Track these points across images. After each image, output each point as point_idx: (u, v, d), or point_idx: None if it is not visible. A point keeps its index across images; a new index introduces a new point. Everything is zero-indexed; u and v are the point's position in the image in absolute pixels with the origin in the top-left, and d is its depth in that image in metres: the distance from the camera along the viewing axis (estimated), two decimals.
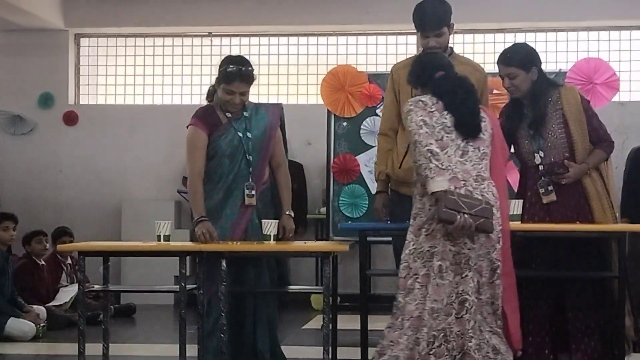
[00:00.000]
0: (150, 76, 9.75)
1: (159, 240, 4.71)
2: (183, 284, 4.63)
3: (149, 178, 9.34)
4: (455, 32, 8.96)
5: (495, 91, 6.86)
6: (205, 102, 5.09)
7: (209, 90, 5.07)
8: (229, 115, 4.90)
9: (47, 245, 7.66)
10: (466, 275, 4.11)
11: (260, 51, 9.47)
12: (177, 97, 9.71)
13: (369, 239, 4.90)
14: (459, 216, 4.01)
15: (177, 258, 4.64)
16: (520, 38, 9.11)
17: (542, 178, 4.71)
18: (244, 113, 4.93)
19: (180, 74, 9.70)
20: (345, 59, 9.17)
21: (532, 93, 4.73)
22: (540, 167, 4.72)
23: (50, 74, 9.55)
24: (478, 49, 9.17)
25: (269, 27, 9.40)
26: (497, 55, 8.95)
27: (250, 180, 4.85)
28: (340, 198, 6.98)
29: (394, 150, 4.95)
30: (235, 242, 4.69)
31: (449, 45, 5.00)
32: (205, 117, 4.92)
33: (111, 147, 9.43)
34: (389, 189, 5.03)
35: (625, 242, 4.60)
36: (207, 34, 9.63)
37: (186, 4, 9.30)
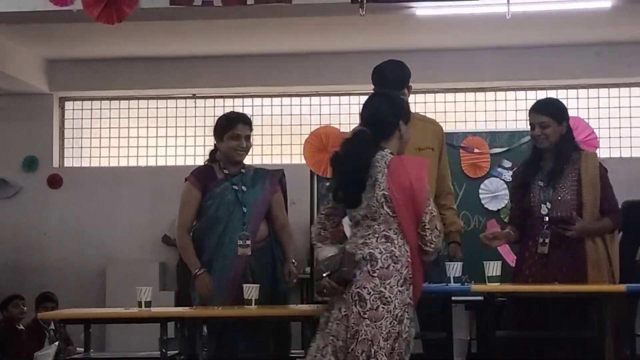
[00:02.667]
0: (134, 138, 9.79)
1: (140, 306, 4.70)
2: (164, 350, 4.62)
3: (134, 240, 9.33)
4: (437, 91, 9.22)
5: (476, 150, 6.93)
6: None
7: (210, 152, 5.23)
8: (226, 171, 5.01)
9: (25, 309, 7.61)
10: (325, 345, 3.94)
11: (244, 112, 9.51)
12: (162, 159, 9.74)
13: None
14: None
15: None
16: (500, 96, 9.23)
17: (545, 229, 4.74)
18: (242, 170, 5.02)
19: (165, 135, 9.75)
20: (328, 120, 9.25)
21: (557, 146, 4.79)
22: (546, 219, 4.75)
23: (35, 137, 9.59)
24: (459, 107, 9.26)
25: (252, 88, 9.48)
26: (477, 114, 9.13)
27: (244, 231, 4.91)
28: None
29: None
30: (217, 308, 4.69)
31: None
32: (201, 173, 5.10)
33: (96, 210, 9.43)
34: None
35: (605, 304, 4.57)
36: (191, 95, 9.70)
37: (170, 66, 9.38)
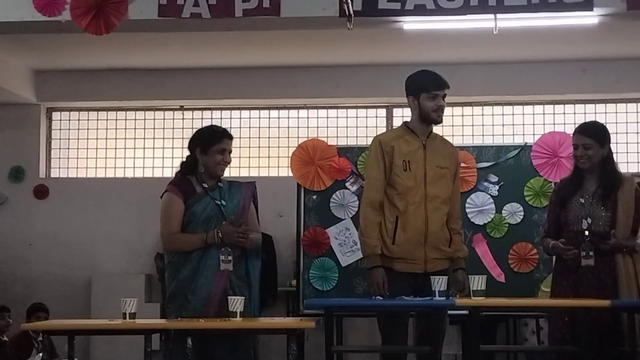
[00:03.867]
0: (121, 149, 9.78)
1: (124, 318, 4.68)
2: None
3: (120, 251, 9.30)
4: None
5: (462, 164, 6.94)
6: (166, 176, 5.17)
7: (182, 163, 5.15)
8: (205, 185, 4.99)
9: (11, 321, 7.58)
10: None
11: (232, 124, 9.52)
12: (149, 170, 9.72)
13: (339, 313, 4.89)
14: None
15: None
16: (487, 111, 9.27)
17: (586, 242, 4.91)
18: (219, 184, 5.02)
19: (152, 147, 9.74)
20: (316, 132, 9.26)
21: (602, 167, 5.02)
22: (587, 232, 4.94)
23: (21, 148, 9.57)
24: (446, 121, 9.17)
25: (240, 100, 9.49)
26: (465, 128, 9.15)
27: (226, 246, 4.88)
28: (310, 271, 6.97)
29: (381, 229, 4.97)
30: (201, 320, 4.68)
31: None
32: (180, 184, 5.03)
33: (82, 221, 9.40)
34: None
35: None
36: (178, 107, 9.70)
37: (158, 78, 9.38)
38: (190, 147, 5.11)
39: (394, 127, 5.75)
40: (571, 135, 5.24)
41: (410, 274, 4.92)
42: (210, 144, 5.01)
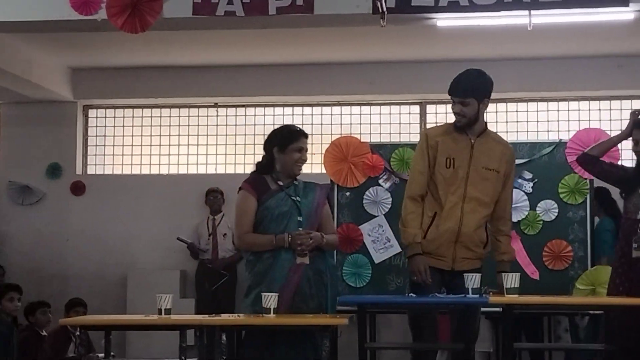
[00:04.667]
0: (157, 146, 9.86)
1: (160, 313, 4.74)
2: (183, 357, 4.64)
3: (155, 248, 9.38)
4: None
5: None
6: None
7: (257, 163, 5.16)
8: (280, 183, 5.01)
9: (51, 316, 7.68)
10: None
11: (265, 121, 9.59)
12: (184, 167, 9.80)
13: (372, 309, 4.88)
14: None
15: None
16: (522, 107, 9.22)
17: (638, 233, 4.85)
18: (295, 182, 5.05)
19: (187, 143, 9.82)
20: (349, 129, 9.28)
21: None
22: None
23: (59, 145, 9.69)
24: None
25: (273, 97, 9.52)
26: (499, 125, 9.08)
27: None
28: (344, 267, 6.98)
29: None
30: (238, 315, 4.71)
31: (484, 121, 5.10)
32: (255, 182, 5.04)
33: (117, 217, 9.50)
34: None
35: None
36: (213, 104, 9.76)
37: (192, 75, 9.44)
38: (266, 147, 5.09)
39: (438, 124, 5.71)
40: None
41: (437, 269, 4.92)
42: (288, 142, 5.00)
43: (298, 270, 4.89)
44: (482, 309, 5.10)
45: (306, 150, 5.05)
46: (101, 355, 5.33)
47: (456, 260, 4.91)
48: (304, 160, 5.04)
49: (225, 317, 4.70)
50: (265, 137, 5.16)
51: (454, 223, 4.88)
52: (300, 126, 5.19)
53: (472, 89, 4.95)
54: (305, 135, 5.07)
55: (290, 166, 5.00)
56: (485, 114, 5.15)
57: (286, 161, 4.99)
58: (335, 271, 5.18)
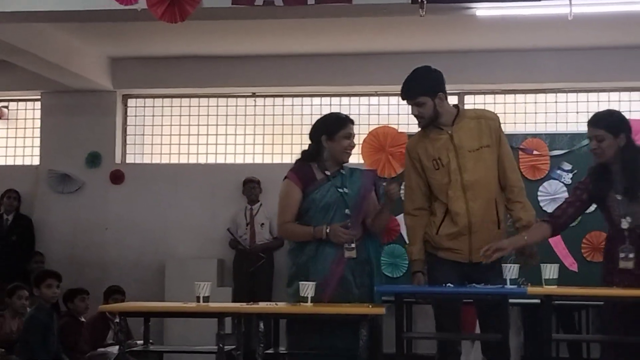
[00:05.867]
0: (195, 135, 9.92)
1: (198, 301, 4.78)
2: (221, 345, 4.68)
3: (193, 237, 9.44)
4: (496, 92, 9.17)
5: (535, 152, 6.90)
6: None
7: (303, 151, 5.15)
8: (327, 172, 5.01)
9: (89, 303, 7.77)
10: None
11: (304, 111, 9.60)
12: (221, 157, 9.85)
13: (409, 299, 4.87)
14: None
15: None
16: (561, 98, 9.15)
17: (627, 243, 4.67)
18: (342, 171, 5.04)
19: (225, 133, 9.86)
20: (387, 119, 9.26)
21: (621, 160, 4.72)
22: (626, 233, 4.68)
23: (98, 134, 9.78)
24: (519, 108, 9.21)
25: (311, 87, 9.53)
26: (537, 115, 9.03)
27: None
28: (381, 258, 6.98)
29: (432, 217, 4.96)
30: (275, 304, 4.74)
31: (455, 104, 5.07)
32: (301, 171, 5.04)
33: (156, 206, 9.57)
34: (423, 262, 5.00)
35: None
36: (251, 94, 9.79)
37: (230, 65, 9.48)
38: (313, 135, 5.07)
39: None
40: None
41: (455, 261, 4.90)
42: (336, 130, 5.00)
43: (341, 263, 4.89)
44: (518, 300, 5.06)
45: (354, 137, 5.05)
46: (140, 342, 5.37)
47: (473, 251, 4.87)
48: (353, 147, 5.04)
49: (263, 306, 4.73)
50: (311, 126, 5.14)
51: (463, 216, 4.85)
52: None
53: (421, 88, 4.92)
54: (352, 122, 5.06)
55: (339, 153, 5.00)
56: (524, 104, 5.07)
57: (335, 148, 4.98)
58: (380, 259, 5.17)
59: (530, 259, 4.88)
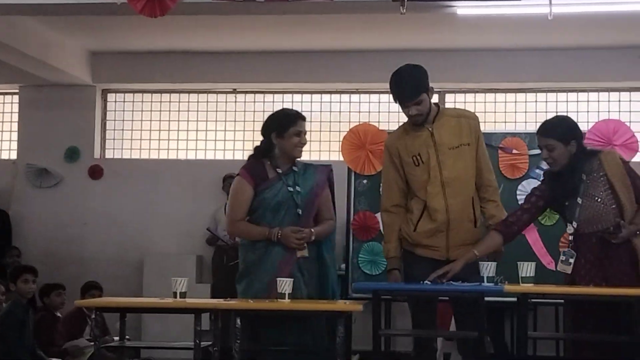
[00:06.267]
0: (175, 131, 9.89)
1: (175, 297, 4.75)
2: (198, 341, 4.65)
3: (172, 232, 9.42)
4: (477, 91, 9.19)
5: (514, 151, 6.90)
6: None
7: (256, 148, 5.13)
8: (279, 170, 4.99)
9: (65, 299, 7.73)
10: None
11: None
12: (201, 152, 9.82)
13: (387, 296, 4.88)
14: None
15: None
16: (541, 98, 9.19)
17: (570, 247, 4.72)
18: (294, 168, 5.02)
19: (205, 129, 9.83)
20: (368, 117, 9.26)
21: (569, 166, 4.74)
22: (570, 237, 4.73)
23: (77, 129, 9.73)
24: (499, 107, 9.23)
25: (292, 84, 9.52)
26: (517, 115, 9.05)
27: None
28: (360, 255, 6.99)
29: (408, 215, 4.97)
30: (250, 300, 4.72)
31: (435, 102, 5.05)
32: (253, 168, 5.01)
33: (135, 201, 9.54)
34: (400, 260, 5.01)
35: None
36: (231, 90, 9.77)
37: (211, 61, 9.45)
38: (264, 132, 5.06)
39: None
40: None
41: (432, 259, 4.91)
42: (285, 127, 4.98)
43: (290, 262, 4.88)
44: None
45: (305, 134, 5.03)
46: (117, 338, 5.35)
47: (450, 248, 4.89)
48: (303, 144, 5.02)
49: (240, 302, 4.71)
50: (263, 123, 5.14)
51: (442, 213, 4.86)
52: (297, 110, 5.17)
53: (420, 87, 4.89)
54: (303, 118, 5.03)
55: (289, 150, 4.98)
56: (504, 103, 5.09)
57: (285, 146, 4.97)
58: (334, 254, 5.16)
59: (497, 256, 4.91)
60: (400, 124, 5.19)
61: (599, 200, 4.71)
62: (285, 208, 4.94)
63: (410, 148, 4.93)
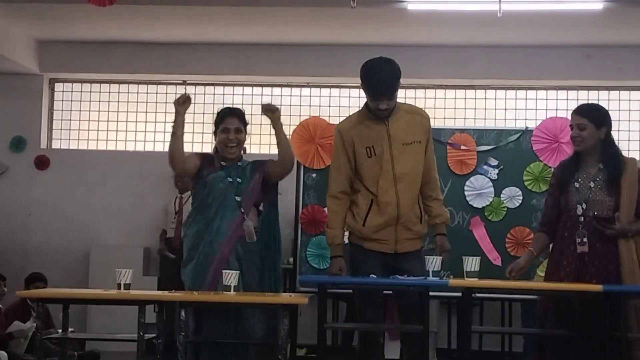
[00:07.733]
0: (123, 122, 9.78)
1: (119, 288, 4.72)
2: (141, 333, 4.62)
3: (119, 224, 9.33)
4: (426, 87, 9.24)
5: (463, 147, 6.95)
6: None
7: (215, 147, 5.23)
8: (224, 163, 5.03)
9: (6, 289, 7.61)
10: None
11: (234, 100, 9.53)
12: (150, 144, 9.74)
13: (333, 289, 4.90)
14: None
15: None
16: (489, 94, 9.26)
17: (581, 228, 4.83)
18: (239, 163, 5.02)
19: (154, 121, 9.75)
20: (318, 111, 9.26)
21: (602, 152, 4.92)
22: (581, 219, 4.84)
23: (23, 118, 9.59)
24: (448, 104, 9.29)
25: (243, 77, 9.48)
26: (467, 111, 9.10)
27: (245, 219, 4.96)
28: (308, 249, 6.99)
29: (353, 209, 4.98)
30: (195, 292, 4.70)
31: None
32: (204, 155, 5.17)
33: (82, 193, 9.43)
34: (345, 248, 5.04)
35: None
36: (181, 82, 9.69)
37: (161, 52, 9.37)
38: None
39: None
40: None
41: (380, 252, 4.93)
42: (217, 124, 5.00)
43: (228, 246, 4.90)
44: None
45: (237, 130, 5.01)
46: (58, 332, 5.28)
47: (398, 242, 4.92)
48: (231, 141, 5.01)
49: (185, 294, 4.68)
50: None
51: (393, 207, 4.89)
52: (239, 106, 5.20)
53: (397, 83, 4.93)
54: (236, 114, 5.05)
55: (220, 147, 5.01)
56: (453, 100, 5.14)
57: (217, 143, 5.02)
58: (277, 254, 5.18)
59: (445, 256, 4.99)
60: None
61: (602, 190, 4.85)
62: (224, 194, 5.00)
63: (364, 138, 4.93)
